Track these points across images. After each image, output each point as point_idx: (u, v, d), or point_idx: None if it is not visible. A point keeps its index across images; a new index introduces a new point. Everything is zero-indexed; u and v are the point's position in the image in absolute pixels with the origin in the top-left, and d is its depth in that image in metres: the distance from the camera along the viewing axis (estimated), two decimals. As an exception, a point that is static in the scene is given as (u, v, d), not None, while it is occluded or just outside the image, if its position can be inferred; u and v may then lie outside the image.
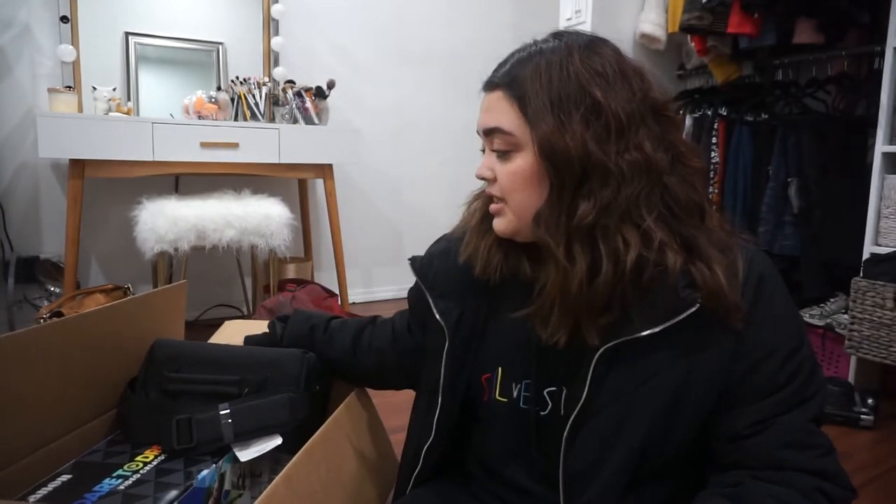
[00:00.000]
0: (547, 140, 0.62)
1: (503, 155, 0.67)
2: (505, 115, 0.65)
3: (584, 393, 0.65)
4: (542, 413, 0.72)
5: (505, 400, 0.74)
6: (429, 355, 0.79)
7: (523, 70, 0.65)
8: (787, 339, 0.64)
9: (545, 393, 0.71)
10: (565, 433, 0.67)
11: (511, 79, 0.65)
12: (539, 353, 0.71)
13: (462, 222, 0.80)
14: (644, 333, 0.61)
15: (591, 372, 0.65)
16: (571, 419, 0.66)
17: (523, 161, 0.65)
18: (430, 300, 0.78)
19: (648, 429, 0.63)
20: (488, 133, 0.68)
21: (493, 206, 0.70)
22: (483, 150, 0.72)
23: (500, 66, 0.69)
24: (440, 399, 0.76)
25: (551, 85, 0.62)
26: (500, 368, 0.74)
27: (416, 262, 0.82)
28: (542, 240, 0.64)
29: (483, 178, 0.70)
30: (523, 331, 0.71)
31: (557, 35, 0.67)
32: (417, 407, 0.83)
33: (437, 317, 0.76)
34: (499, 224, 0.70)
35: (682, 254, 0.62)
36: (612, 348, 0.63)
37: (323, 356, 0.92)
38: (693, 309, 0.60)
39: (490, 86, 0.68)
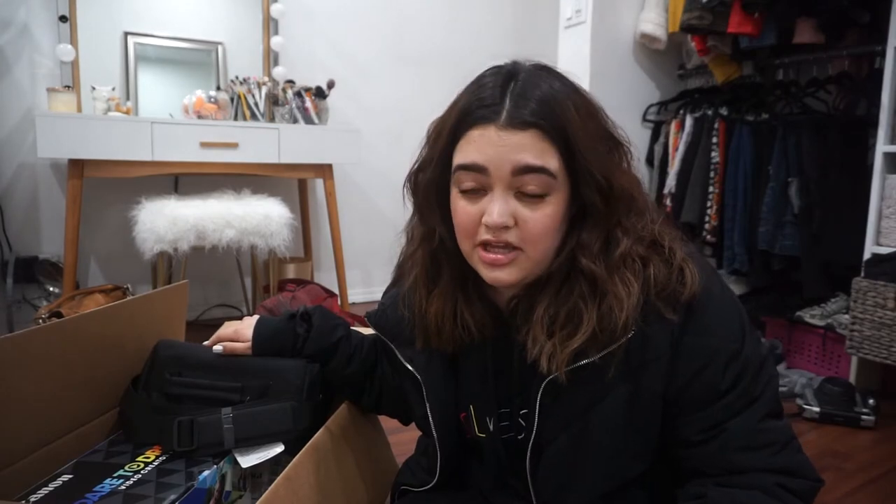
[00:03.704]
0: (604, 174, 0.61)
1: (535, 198, 0.61)
2: (548, 155, 0.60)
3: (535, 421, 0.67)
4: (519, 437, 0.73)
5: (484, 435, 0.75)
6: (412, 402, 0.80)
7: (558, 108, 0.60)
8: (725, 343, 0.63)
9: (520, 417, 0.72)
10: (527, 458, 0.68)
11: (550, 118, 0.60)
12: (503, 381, 0.72)
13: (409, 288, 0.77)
14: (582, 363, 0.62)
15: (538, 401, 0.66)
16: (529, 445, 0.68)
17: (557, 205, 0.61)
18: (396, 350, 0.79)
19: (606, 449, 0.64)
20: (526, 171, 0.60)
21: (500, 258, 0.62)
22: (469, 192, 0.63)
23: (498, 97, 0.61)
24: (437, 444, 0.76)
25: (586, 123, 0.61)
26: (471, 406, 0.75)
27: (371, 318, 0.83)
28: (597, 275, 0.62)
29: (500, 227, 0.61)
30: (482, 364, 0.73)
31: (540, 66, 0.65)
32: (419, 446, 0.85)
33: (408, 366, 0.77)
34: (505, 274, 0.63)
35: (656, 255, 0.64)
36: (556, 378, 0.64)
37: (337, 373, 0.88)
38: (629, 335, 0.61)
39: (518, 123, 0.59)
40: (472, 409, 0.75)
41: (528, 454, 0.68)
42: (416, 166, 0.70)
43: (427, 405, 0.75)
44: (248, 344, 0.88)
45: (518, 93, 0.61)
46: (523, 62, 0.65)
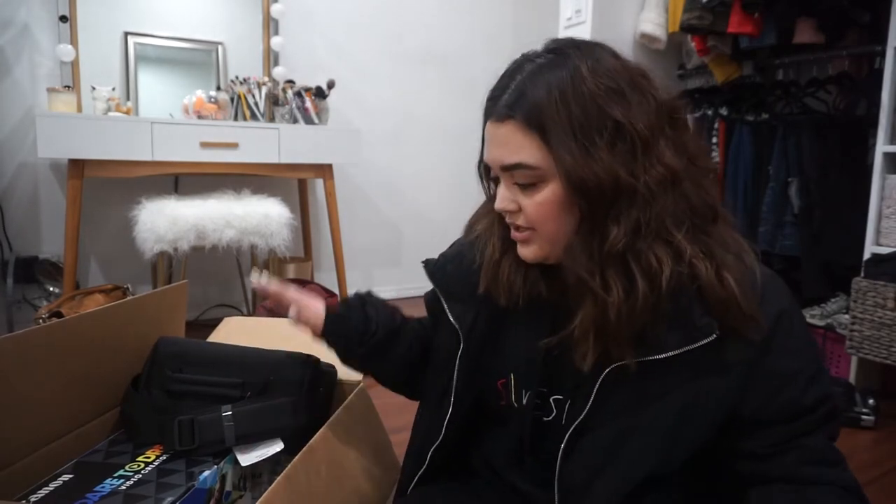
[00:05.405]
0: (576, 173, 0.59)
1: (528, 187, 0.63)
2: (526, 149, 0.61)
3: (587, 407, 0.66)
4: (545, 419, 0.72)
5: (517, 405, 0.74)
6: (440, 357, 0.79)
7: (535, 96, 0.60)
8: (806, 365, 0.64)
9: (551, 400, 0.72)
10: (563, 443, 0.67)
11: (525, 109, 0.61)
12: (549, 361, 0.71)
13: (467, 238, 0.78)
14: (657, 357, 0.61)
15: (596, 387, 0.65)
16: (570, 430, 0.67)
17: (551, 192, 0.62)
18: (445, 304, 0.77)
19: (648, 447, 0.64)
20: (508, 168, 0.64)
21: (518, 235, 0.67)
22: (490, 180, 0.70)
23: (500, 90, 0.63)
24: (452, 402, 0.75)
25: (570, 112, 0.59)
26: (512, 375, 0.74)
27: (429, 265, 0.81)
28: (576, 273, 0.62)
29: (506, 211, 0.66)
30: (534, 337, 0.71)
31: (556, 50, 0.63)
32: (425, 408, 0.82)
33: (452, 321, 0.76)
34: (527, 252, 0.67)
35: (708, 262, 0.61)
36: (622, 366, 0.63)
37: (400, 356, 0.84)
38: (710, 339, 0.60)
39: (500, 116, 0.62)
40: (513, 378, 0.74)
41: (567, 435, 0.67)
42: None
43: (457, 362, 0.75)
44: (320, 319, 0.82)
45: (514, 86, 0.62)
46: (548, 48, 0.64)
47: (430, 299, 0.84)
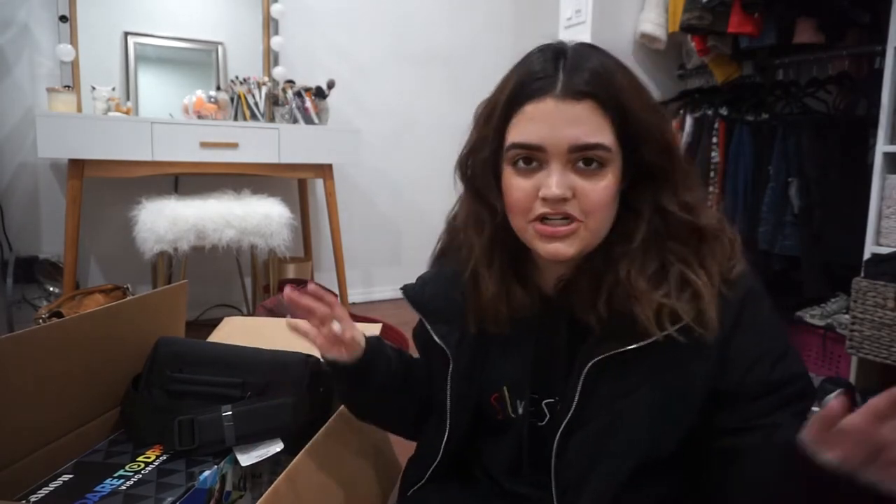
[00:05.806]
0: (665, 136, 0.64)
1: (594, 171, 0.62)
2: (604, 129, 0.61)
3: (574, 404, 0.66)
4: (539, 424, 0.73)
5: (514, 416, 0.75)
6: (435, 380, 0.79)
7: (610, 78, 0.62)
8: (774, 344, 0.65)
9: (543, 404, 0.73)
10: (555, 442, 0.68)
11: (604, 88, 0.61)
12: (538, 366, 0.72)
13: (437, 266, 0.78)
14: (631, 347, 0.63)
15: (580, 383, 0.66)
16: (561, 429, 0.67)
17: (612, 176, 0.62)
18: (429, 326, 0.77)
19: (637, 438, 0.64)
20: (583, 149, 0.61)
21: (561, 229, 0.62)
22: (523, 168, 0.63)
23: (550, 71, 0.62)
24: (448, 423, 0.76)
25: (638, 92, 0.64)
26: (504, 388, 0.75)
27: (408, 290, 0.80)
28: (699, 225, 0.65)
29: (559, 200, 0.61)
30: (522, 346, 0.72)
31: (589, 45, 0.66)
32: (427, 427, 0.83)
33: (438, 341, 0.76)
34: (566, 247, 0.63)
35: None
36: (602, 361, 0.64)
37: (417, 384, 0.83)
38: (680, 325, 0.61)
39: (574, 94, 0.60)
40: (507, 391, 0.74)
41: (558, 436, 0.67)
42: (466, 150, 0.71)
43: (448, 381, 0.75)
44: (362, 347, 0.79)
45: (570, 65, 0.62)
46: (568, 41, 0.67)
47: (418, 333, 0.83)
